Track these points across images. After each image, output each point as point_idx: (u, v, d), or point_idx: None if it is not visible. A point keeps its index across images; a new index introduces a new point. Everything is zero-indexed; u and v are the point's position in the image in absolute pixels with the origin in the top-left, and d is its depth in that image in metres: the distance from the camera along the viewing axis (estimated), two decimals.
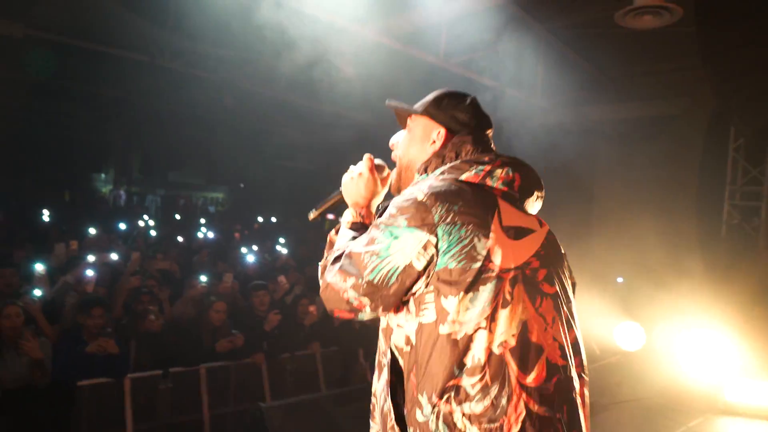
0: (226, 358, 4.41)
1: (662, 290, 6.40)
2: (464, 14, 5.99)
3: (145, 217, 10.90)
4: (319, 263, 1.58)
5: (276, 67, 7.94)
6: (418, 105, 1.67)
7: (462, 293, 1.30)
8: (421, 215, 1.34)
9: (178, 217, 12.14)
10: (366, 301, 1.38)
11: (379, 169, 1.73)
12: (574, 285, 1.57)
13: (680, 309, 5.84)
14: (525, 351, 1.30)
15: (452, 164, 1.50)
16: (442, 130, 1.59)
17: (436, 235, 1.33)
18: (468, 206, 1.36)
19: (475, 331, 1.30)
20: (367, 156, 1.72)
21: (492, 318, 1.30)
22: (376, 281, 1.35)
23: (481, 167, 1.45)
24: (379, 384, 1.46)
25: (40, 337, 3.65)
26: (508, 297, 1.31)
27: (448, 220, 1.33)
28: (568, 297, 1.48)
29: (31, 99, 11.13)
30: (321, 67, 7.84)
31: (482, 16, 6.22)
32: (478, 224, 1.34)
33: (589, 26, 7.26)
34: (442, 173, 1.49)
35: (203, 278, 5.21)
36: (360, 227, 1.60)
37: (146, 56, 8.03)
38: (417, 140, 1.64)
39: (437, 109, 1.61)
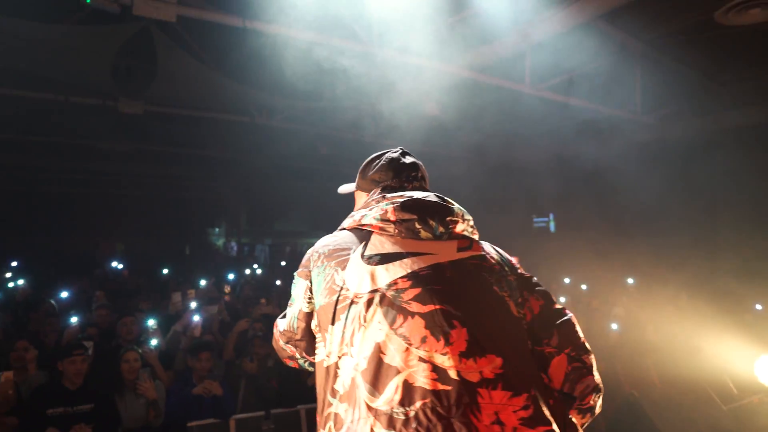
0: None
1: None
2: (547, 37, 5.82)
3: (255, 265, 11.56)
4: None
5: (366, 113, 8.24)
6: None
7: (330, 326, 1.39)
8: (304, 265, 1.56)
9: (283, 263, 12.74)
10: (291, 347, 1.57)
11: None
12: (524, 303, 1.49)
13: None
14: (375, 373, 1.27)
15: (345, 220, 1.63)
16: (364, 196, 1.73)
17: (310, 280, 1.51)
18: (336, 248, 1.49)
19: (340, 357, 1.34)
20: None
21: (351, 342, 1.32)
22: (288, 328, 1.56)
23: (363, 211, 1.56)
24: None
25: (155, 380, 3.92)
26: (362, 320, 1.33)
27: (318, 263, 1.50)
28: (483, 322, 1.33)
29: (154, 166, 12.44)
30: (410, 109, 8.00)
31: (566, 36, 6.01)
32: (339, 261, 1.45)
33: (689, 32, 6.76)
34: (338, 228, 1.63)
35: None
36: None
37: (247, 117, 8.69)
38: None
39: (361, 180, 1.77)
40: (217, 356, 4.63)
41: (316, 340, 1.47)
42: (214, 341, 4.76)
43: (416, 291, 1.34)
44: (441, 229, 1.48)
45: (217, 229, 15.24)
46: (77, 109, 8.04)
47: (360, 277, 1.38)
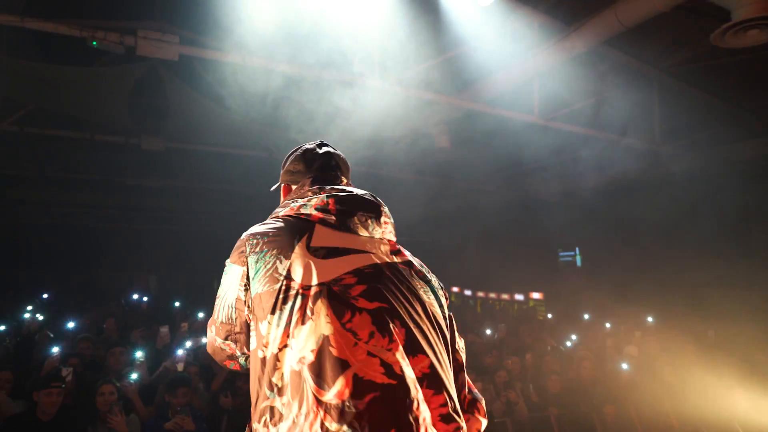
0: None
1: None
2: (553, 66, 5.71)
3: None
4: None
5: (377, 147, 8.27)
6: None
7: (269, 315, 1.32)
8: (238, 251, 1.46)
9: None
10: (230, 344, 1.47)
11: None
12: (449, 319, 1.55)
13: None
14: (323, 366, 1.25)
15: (279, 207, 1.59)
16: (282, 186, 1.75)
17: (247, 266, 1.42)
18: (275, 235, 1.43)
19: (281, 349, 1.30)
20: None
21: (293, 334, 1.29)
22: (225, 319, 1.46)
23: (300, 200, 1.53)
24: None
25: (130, 415, 3.89)
26: (308, 313, 1.30)
27: (257, 249, 1.42)
28: (418, 324, 1.39)
29: (179, 201, 12.81)
30: (420, 143, 7.99)
31: (574, 65, 5.89)
32: (281, 249, 1.39)
33: (710, 58, 6.52)
34: (270, 216, 1.57)
35: None
36: None
37: (264, 153, 8.86)
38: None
39: (282, 173, 1.75)
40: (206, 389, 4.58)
41: (249, 330, 1.41)
42: (199, 374, 4.71)
43: (362, 288, 1.36)
44: (376, 228, 1.52)
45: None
46: (104, 147, 8.42)
47: (305, 268, 1.35)
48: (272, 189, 1.86)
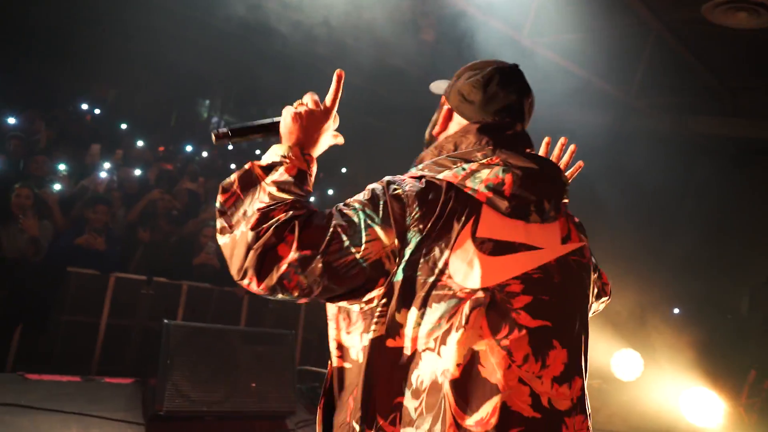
0: (211, 282, 4.63)
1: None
2: None
3: (230, 146, 11.52)
4: (224, 195, 1.21)
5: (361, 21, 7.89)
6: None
7: (413, 308, 1.13)
8: (395, 215, 1.15)
9: (258, 152, 12.74)
10: (305, 281, 1.12)
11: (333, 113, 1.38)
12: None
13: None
14: (470, 386, 1.09)
15: (438, 158, 1.28)
16: (444, 111, 1.40)
17: (403, 242, 1.15)
18: (440, 211, 1.16)
19: (423, 350, 1.13)
20: (336, 76, 1.34)
21: (442, 341, 1.11)
22: (334, 264, 1.11)
23: (465, 165, 1.22)
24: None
25: (43, 221, 4.04)
26: (462, 320, 1.11)
27: (420, 226, 1.15)
28: (572, 337, 1.21)
29: (161, 23, 12.02)
30: (406, 27, 7.67)
31: None
32: (443, 232, 1.15)
33: (714, 25, 6.34)
34: (423, 168, 1.28)
35: None
36: (306, 177, 1.24)
37: None
38: (430, 124, 1.45)
39: (453, 89, 1.38)
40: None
41: (375, 314, 1.15)
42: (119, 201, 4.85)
43: (527, 299, 1.16)
44: (552, 213, 1.27)
45: (207, 101, 15.08)
46: None
47: (468, 264, 1.14)
48: (436, 90, 1.49)
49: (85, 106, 9.55)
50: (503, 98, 1.32)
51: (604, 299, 1.64)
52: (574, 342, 1.21)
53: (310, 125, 1.30)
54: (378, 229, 1.13)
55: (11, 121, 6.28)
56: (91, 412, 3.21)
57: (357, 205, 1.17)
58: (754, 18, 3.88)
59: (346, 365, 1.20)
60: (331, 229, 1.12)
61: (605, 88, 7.23)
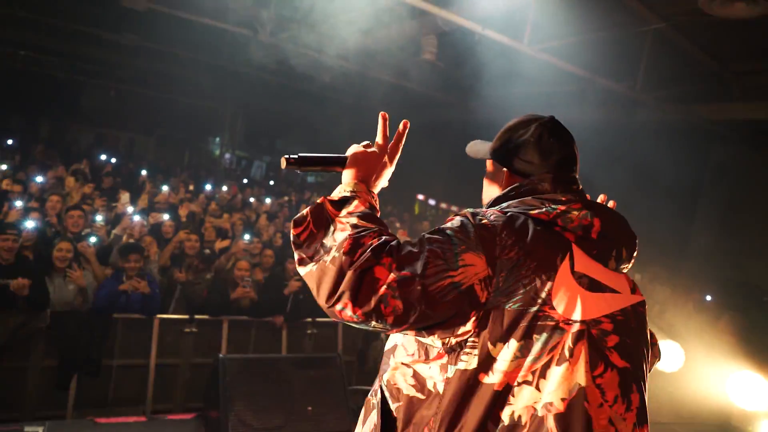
0: (249, 314, 4.74)
1: None
2: None
3: (245, 180, 11.77)
4: (297, 228, 1.22)
5: (366, 46, 8.10)
6: (489, 147, 1.48)
7: (513, 340, 1.11)
8: (484, 242, 1.14)
9: (272, 183, 12.96)
10: (402, 306, 1.09)
11: (393, 150, 1.44)
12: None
13: None
14: (574, 422, 1.08)
15: (522, 199, 1.29)
16: (505, 175, 1.40)
17: (494, 270, 1.13)
18: (534, 243, 1.16)
19: (519, 384, 1.11)
20: (382, 118, 1.41)
21: (542, 374, 1.10)
22: (430, 288, 1.09)
23: (554, 206, 1.24)
24: (364, 429, 1.29)
25: (86, 272, 4.20)
26: (566, 353, 1.11)
27: (512, 255, 1.14)
28: (643, 382, 1.21)
29: (158, 63, 12.38)
30: (408, 49, 7.85)
31: None
32: (542, 264, 1.15)
33: (709, 14, 6.43)
34: (508, 206, 1.28)
35: (247, 237, 5.59)
36: (375, 211, 1.29)
37: (250, 30, 8.57)
38: (488, 183, 1.47)
39: (501, 152, 1.41)
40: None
41: (466, 345, 1.14)
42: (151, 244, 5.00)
43: (616, 339, 1.17)
44: (624, 262, 1.31)
45: (218, 138, 15.40)
46: None
47: (570, 297, 1.14)
48: (474, 154, 1.53)
49: (103, 157, 9.81)
50: (559, 150, 1.35)
51: (653, 361, 1.58)
52: (644, 388, 1.21)
53: (372, 164, 1.36)
54: (472, 255, 1.12)
55: (39, 179, 6.50)
56: None
57: (449, 232, 1.16)
58: (752, 7, 3.96)
59: (419, 395, 1.19)
60: (426, 253, 1.12)
61: (610, 85, 7.32)
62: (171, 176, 9.96)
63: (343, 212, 1.23)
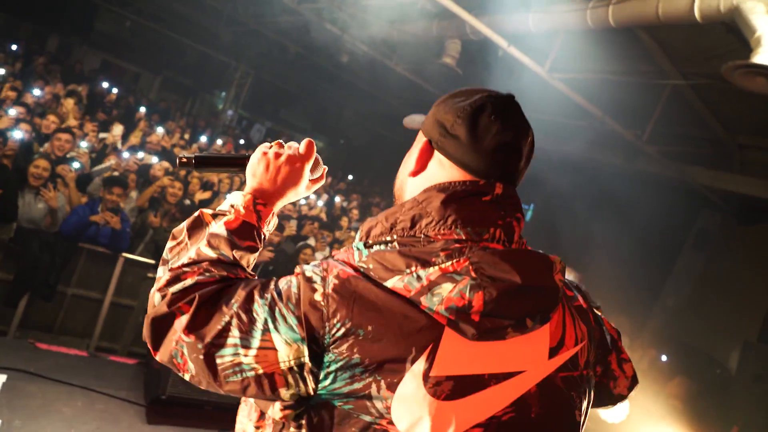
0: None
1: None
2: (582, 30, 5.61)
3: (241, 140, 11.66)
4: (172, 242, 1.09)
5: (391, 36, 8.05)
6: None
7: None
8: (308, 326, 0.88)
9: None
10: (192, 369, 0.92)
11: (315, 164, 1.21)
12: None
13: None
14: None
15: (387, 250, 0.95)
16: (422, 146, 1.07)
17: (318, 363, 0.89)
18: (379, 334, 0.87)
19: None
20: (307, 140, 1.19)
21: None
22: (217, 360, 0.90)
23: (421, 272, 0.91)
24: None
25: (60, 194, 4.12)
26: None
27: (343, 349, 0.87)
28: None
29: (179, 6, 12.19)
30: (431, 49, 7.82)
31: (602, 35, 5.80)
32: (384, 366, 0.86)
33: (729, 81, 6.49)
34: (369, 257, 0.95)
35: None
36: (250, 232, 1.06)
37: None
38: (403, 162, 1.15)
39: (433, 120, 1.06)
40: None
41: (292, 423, 0.95)
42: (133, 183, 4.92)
43: None
44: (537, 325, 0.96)
45: (224, 93, 15.22)
46: None
47: (414, 415, 0.86)
48: (410, 125, 1.22)
49: (105, 84, 9.64)
50: (496, 135, 0.99)
51: (618, 403, 1.29)
52: None
53: (279, 173, 1.13)
54: (277, 339, 0.88)
55: (36, 92, 6.36)
56: (96, 388, 3.29)
57: (269, 297, 0.91)
58: None
59: None
60: (227, 318, 0.90)
61: (618, 129, 7.37)
62: (169, 119, 9.82)
63: (208, 230, 1.05)
